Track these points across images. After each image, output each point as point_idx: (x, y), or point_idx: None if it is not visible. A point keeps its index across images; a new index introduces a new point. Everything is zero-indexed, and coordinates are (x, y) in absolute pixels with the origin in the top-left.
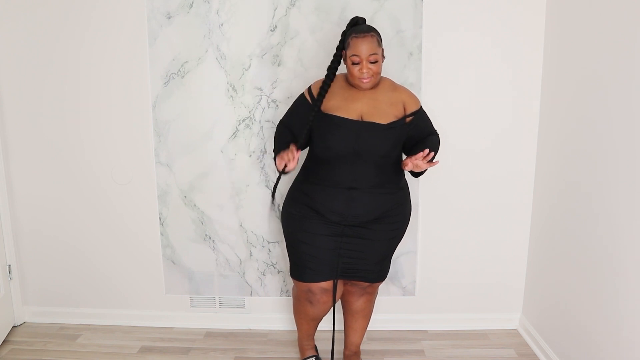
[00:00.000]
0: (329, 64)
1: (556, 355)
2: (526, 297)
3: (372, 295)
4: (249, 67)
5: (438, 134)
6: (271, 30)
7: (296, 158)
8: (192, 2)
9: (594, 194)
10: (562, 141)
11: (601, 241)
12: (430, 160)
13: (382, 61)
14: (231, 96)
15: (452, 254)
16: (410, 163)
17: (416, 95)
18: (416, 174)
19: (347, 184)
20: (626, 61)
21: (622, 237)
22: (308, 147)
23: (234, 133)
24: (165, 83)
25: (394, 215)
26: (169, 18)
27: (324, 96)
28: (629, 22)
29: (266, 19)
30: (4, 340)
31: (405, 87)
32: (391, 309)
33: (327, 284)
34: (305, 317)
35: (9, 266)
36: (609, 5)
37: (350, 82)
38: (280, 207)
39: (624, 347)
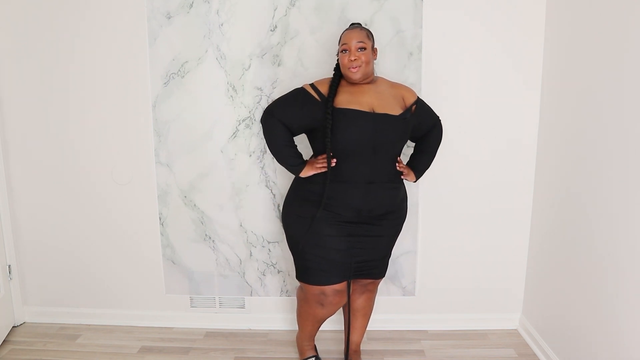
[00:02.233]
0: (335, 64)
1: (556, 355)
2: (526, 297)
3: (372, 293)
4: (249, 67)
5: (439, 121)
6: (271, 30)
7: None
8: (192, 2)
9: (593, 195)
10: (563, 142)
11: (600, 242)
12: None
13: (374, 57)
14: (231, 96)
15: (452, 254)
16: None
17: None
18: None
19: (366, 178)
20: (627, 66)
21: (620, 237)
22: (311, 146)
23: (234, 133)
24: (165, 83)
25: (399, 210)
26: (169, 18)
27: (335, 93)
28: (631, 27)
29: (266, 19)
30: (4, 340)
31: (407, 85)
32: (391, 309)
33: (340, 285)
34: (313, 319)
35: (9, 266)
36: (610, 13)
37: (345, 77)
38: (280, 207)
39: (623, 347)
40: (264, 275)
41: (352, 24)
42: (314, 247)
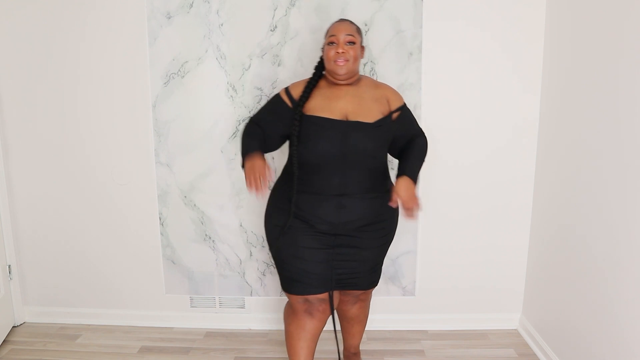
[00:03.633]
0: (316, 63)
1: (556, 355)
2: (526, 297)
3: (366, 301)
4: (249, 67)
5: (424, 134)
6: (271, 30)
7: (266, 183)
8: (192, 2)
9: (592, 195)
10: (563, 143)
11: (600, 242)
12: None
13: (361, 55)
14: (231, 96)
15: (452, 254)
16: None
17: (416, 95)
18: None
19: (336, 190)
20: (626, 70)
21: (620, 238)
22: (288, 151)
23: (234, 133)
24: (165, 83)
25: (384, 221)
26: (169, 18)
27: (307, 97)
28: (631, 32)
29: (266, 19)
30: (4, 340)
31: (406, 86)
32: (391, 309)
33: (324, 295)
34: (305, 335)
35: (9, 266)
36: (607, 17)
37: (328, 73)
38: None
39: (623, 347)
40: (264, 275)
41: (341, 19)
42: (292, 259)
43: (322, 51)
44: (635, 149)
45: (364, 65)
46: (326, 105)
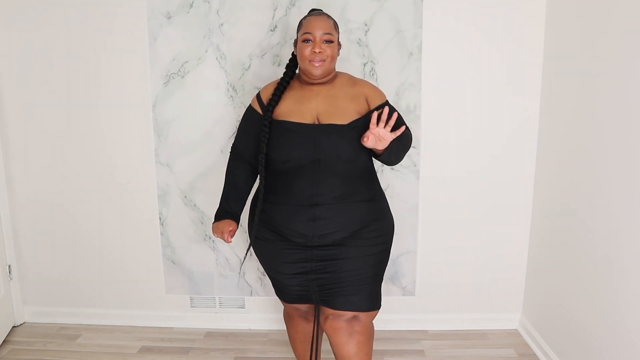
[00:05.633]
0: (287, 62)
1: (556, 355)
2: (526, 297)
3: (363, 335)
4: (249, 67)
5: (409, 130)
6: (271, 30)
7: (230, 238)
8: (192, 2)
9: (593, 195)
10: (563, 142)
11: (601, 241)
12: (394, 129)
13: (338, 52)
14: (231, 96)
15: (452, 253)
16: (372, 135)
17: (416, 95)
18: (383, 158)
19: (308, 200)
20: (624, 70)
21: (621, 237)
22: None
23: (234, 133)
24: (165, 83)
25: (368, 232)
26: (169, 18)
27: (277, 101)
28: (628, 32)
29: (266, 19)
30: (4, 340)
31: (406, 86)
32: (391, 309)
33: (311, 304)
34: (305, 338)
35: (9, 266)
36: (607, 19)
37: (301, 72)
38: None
39: (623, 346)
40: (264, 275)
41: (314, 9)
42: (271, 272)
43: (295, 46)
44: (635, 147)
45: (364, 65)
46: (296, 109)
